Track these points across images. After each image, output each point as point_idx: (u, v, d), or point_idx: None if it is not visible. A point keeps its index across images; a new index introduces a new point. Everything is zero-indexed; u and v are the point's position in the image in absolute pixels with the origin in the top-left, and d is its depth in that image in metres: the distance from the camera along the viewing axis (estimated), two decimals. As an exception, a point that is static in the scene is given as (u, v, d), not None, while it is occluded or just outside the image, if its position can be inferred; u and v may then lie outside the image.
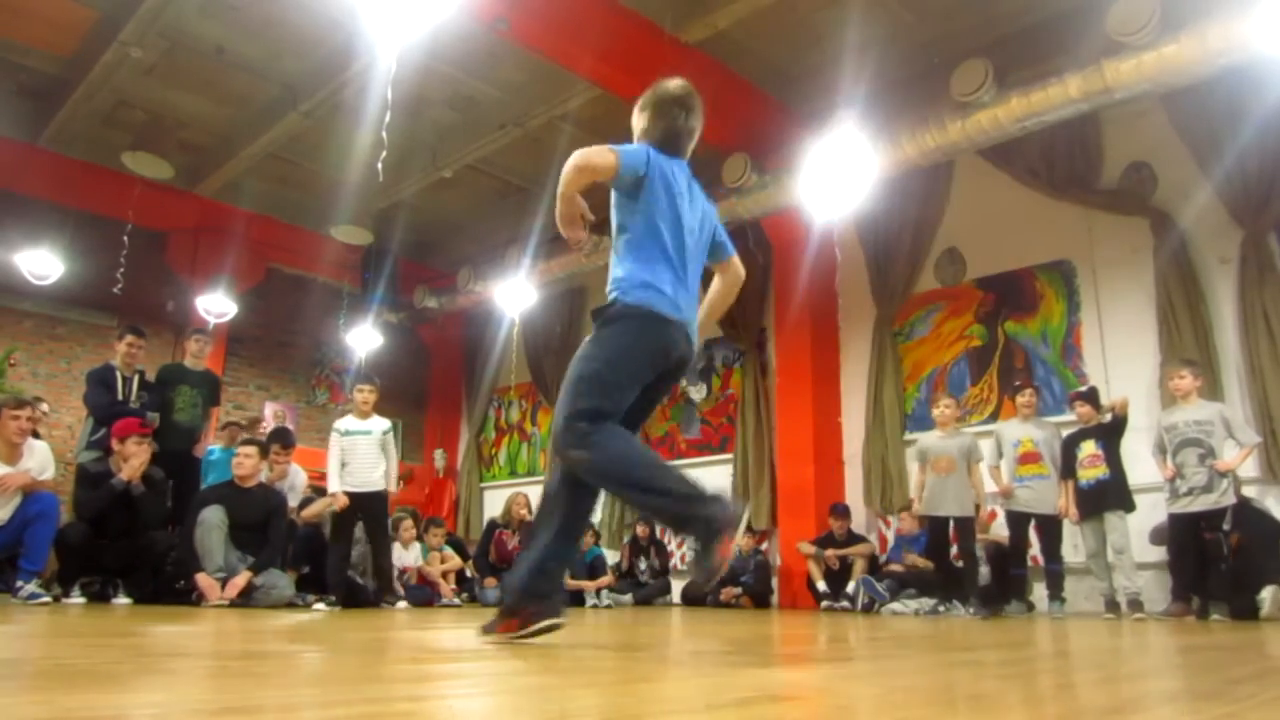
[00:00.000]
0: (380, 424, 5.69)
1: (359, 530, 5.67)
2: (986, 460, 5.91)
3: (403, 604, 5.56)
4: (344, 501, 5.44)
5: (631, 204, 2.58)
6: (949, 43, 6.67)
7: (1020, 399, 5.88)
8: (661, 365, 2.56)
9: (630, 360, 2.46)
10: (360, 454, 5.52)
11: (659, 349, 2.51)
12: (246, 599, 4.98)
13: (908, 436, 7.29)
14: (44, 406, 7.25)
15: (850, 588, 6.67)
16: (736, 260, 2.83)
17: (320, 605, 5.16)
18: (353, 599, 5.43)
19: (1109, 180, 6.55)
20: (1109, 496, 5.36)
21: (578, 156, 2.42)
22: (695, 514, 2.19)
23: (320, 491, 6.00)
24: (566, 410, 2.37)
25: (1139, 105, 6.07)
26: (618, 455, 2.33)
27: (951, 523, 5.81)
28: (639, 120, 2.69)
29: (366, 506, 5.51)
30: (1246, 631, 3.87)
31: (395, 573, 5.97)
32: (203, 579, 4.89)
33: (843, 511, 7.03)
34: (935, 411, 6.12)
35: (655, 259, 2.53)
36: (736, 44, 6.80)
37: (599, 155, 2.41)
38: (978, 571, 5.85)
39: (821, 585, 6.82)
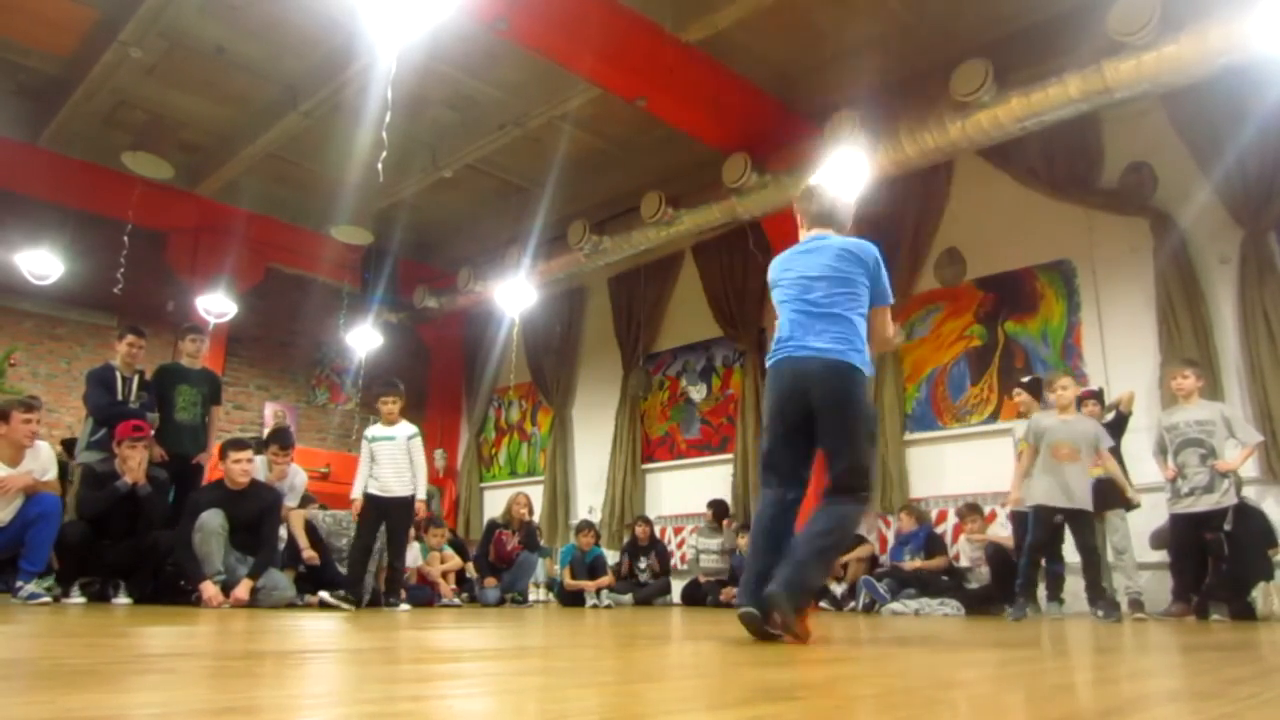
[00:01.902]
0: (405, 430, 5.69)
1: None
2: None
3: (405, 607, 5.56)
4: (358, 507, 5.47)
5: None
6: (949, 43, 6.66)
7: (1020, 397, 5.89)
8: None
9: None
10: (384, 460, 5.54)
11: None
12: (248, 600, 4.98)
13: (908, 436, 7.29)
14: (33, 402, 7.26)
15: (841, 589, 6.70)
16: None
17: (345, 605, 5.14)
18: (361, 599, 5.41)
19: (1109, 180, 6.55)
20: (1110, 496, 5.36)
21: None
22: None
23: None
24: (862, 459, 2.85)
25: (1139, 105, 6.07)
26: None
27: (1060, 516, 5.10)
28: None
29: (391, 512, 5.51)
30: (1246, 631, 3.87)
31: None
32: (207, 588, 4.89)
33: None
34: (1052, 395, 5.26)
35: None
36: (737, 44, 6.80)
37: None
38: (1099, 568, 5.12)
39: (839, 589, 6.79)
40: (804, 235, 3.14)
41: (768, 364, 3.02)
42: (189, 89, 7.88)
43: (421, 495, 5.69)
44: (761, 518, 3.00)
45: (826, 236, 3.06)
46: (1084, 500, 4.98)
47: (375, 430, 5.68)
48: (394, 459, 5.55)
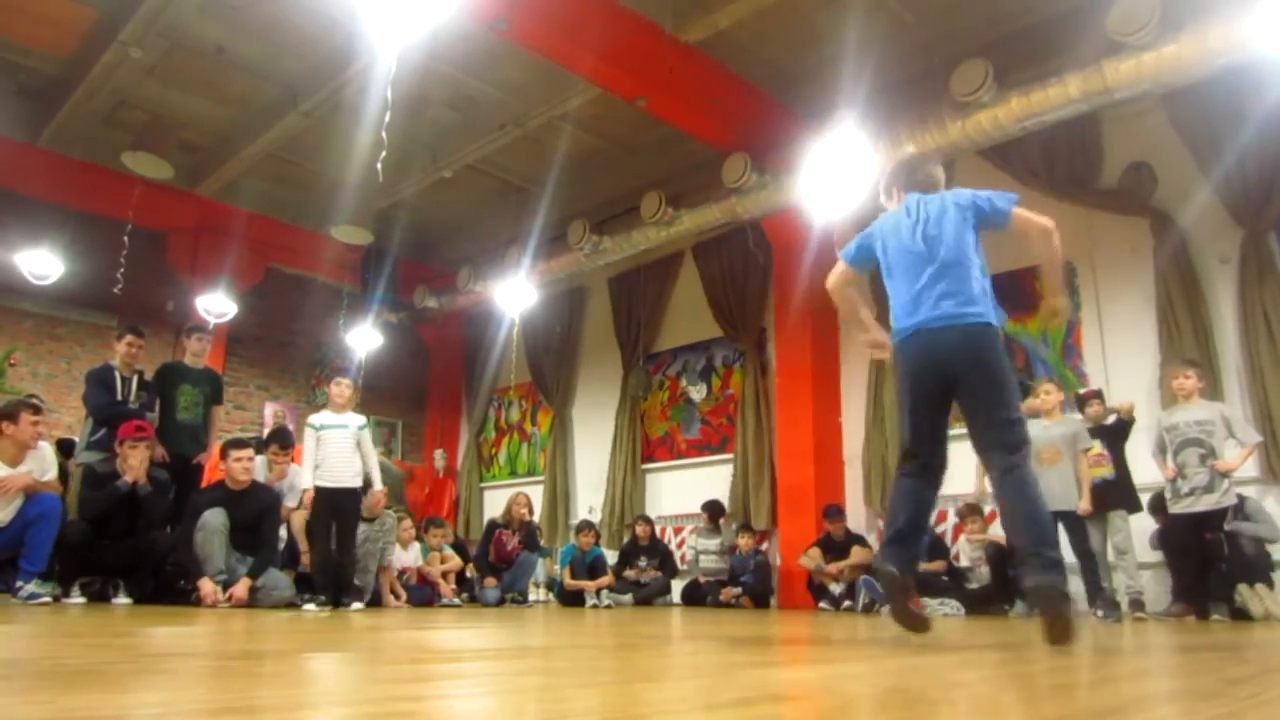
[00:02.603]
0: (355, 419, 5.58)
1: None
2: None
3: (358, 606, 5.41)
4: (309, 498, 5.33)
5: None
6: (949, 43, 6.67)
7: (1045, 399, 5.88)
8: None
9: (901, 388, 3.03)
10: (333, 450, 5.37)
11: None
12: (247, 599, 4.98)
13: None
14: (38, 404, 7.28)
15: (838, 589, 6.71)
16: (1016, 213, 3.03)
17: (311, 606, 5.11)
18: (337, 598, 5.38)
19: (1109, 180, 6.55)
20: (1112, 496, 5.37)
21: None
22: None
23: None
24: (1013, 412, 2.74)
25: (1139, 105, 6.07)
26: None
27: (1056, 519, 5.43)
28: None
29: (341, 504, 5.37)
30: (1246, 631, 3.87)
31: (366, 573, 5.78)
32: (205, 585, 4.89)
33: (836, 513, 7.01)
34: (1036, 401, 5.38)
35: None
36: (736, 44, 6.80)
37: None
38: (1096, 568, 5.24)
39: (837, 589, 6.79)
40: (893, 205, 3.14)
41: (896, 329, 2.98)
42: (189, 89, 7.88)
43: (378, 485, 5.61)
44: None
45: (926, 197, 3.08)
46: (1067, 500, 5.06)
47: (323, 418, 5.50)
48: (343, 449, 5.41)
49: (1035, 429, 5.13)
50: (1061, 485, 5.09)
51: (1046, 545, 2.62)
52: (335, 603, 5.25)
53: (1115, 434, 5.47)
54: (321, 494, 5.33)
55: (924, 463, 2.88)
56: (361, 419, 5.67)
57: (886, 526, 2.92)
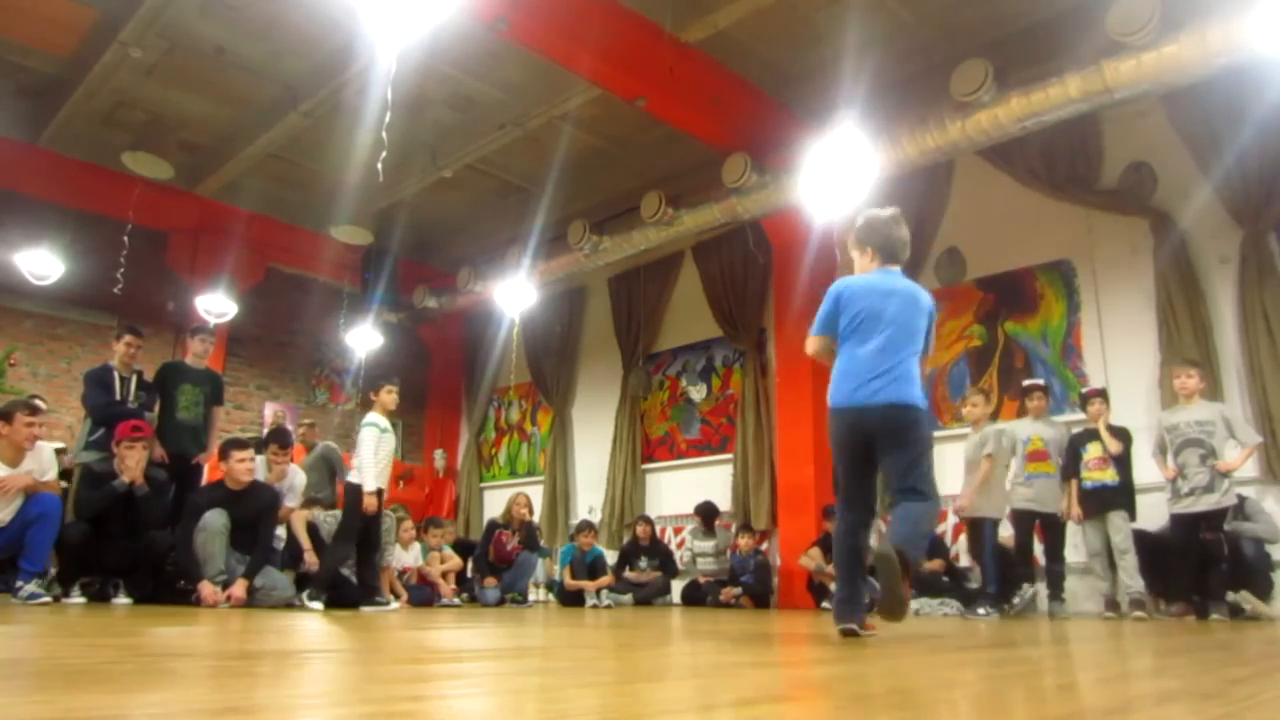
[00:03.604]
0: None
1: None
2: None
3: (395, 605, 5.50)
4: (375, 503, 5.33)
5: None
6: (949, 43, 6.66)
7: (1031, 402, 5.93)
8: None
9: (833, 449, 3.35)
10: (386, 453, 5.48)
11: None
12: (247, 600, 4.98)
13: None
14: (41, 405, 7.25)
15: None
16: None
17: (316, 604, 5.14)
18: (343, 597, 5.40)
19: (1109, 180, 6.55)
20: (1114, 497, 5.38)
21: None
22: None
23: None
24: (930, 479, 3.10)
25: (1139, 105, 6.07)
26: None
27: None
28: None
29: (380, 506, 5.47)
30: (1246, 631, 3.87)
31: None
32: (204, 586, 4.88)
33: (834, 513, 7.01)
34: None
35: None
36: (736, 44, 6.79)
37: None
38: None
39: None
40: (869, 266, 3.30)
41: (831, 407, 3.22)
42: (189, 89, 7.88)
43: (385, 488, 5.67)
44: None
45: (896, 274, 3.28)
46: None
47: (384, 421, 5.56)
48: (391, 453, 5.56)
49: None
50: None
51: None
52: (355, 605, 5.27)
53: (1121, 454, 5.52)
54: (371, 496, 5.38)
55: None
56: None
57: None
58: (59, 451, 6.83)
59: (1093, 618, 5.41)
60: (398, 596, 6.09)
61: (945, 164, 7.11)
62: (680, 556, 8.46)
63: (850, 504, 3.24)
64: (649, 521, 8.29)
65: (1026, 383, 6.18)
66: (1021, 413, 6.20)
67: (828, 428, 3.26)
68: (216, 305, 8.89)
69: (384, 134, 6.17)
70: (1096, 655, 2.58)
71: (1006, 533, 6.03)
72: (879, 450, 3.14)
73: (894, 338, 3.13)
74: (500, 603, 7.11)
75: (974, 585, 6.24)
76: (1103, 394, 5.74)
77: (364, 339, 10.25)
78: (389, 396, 5.60)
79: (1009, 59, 6.04)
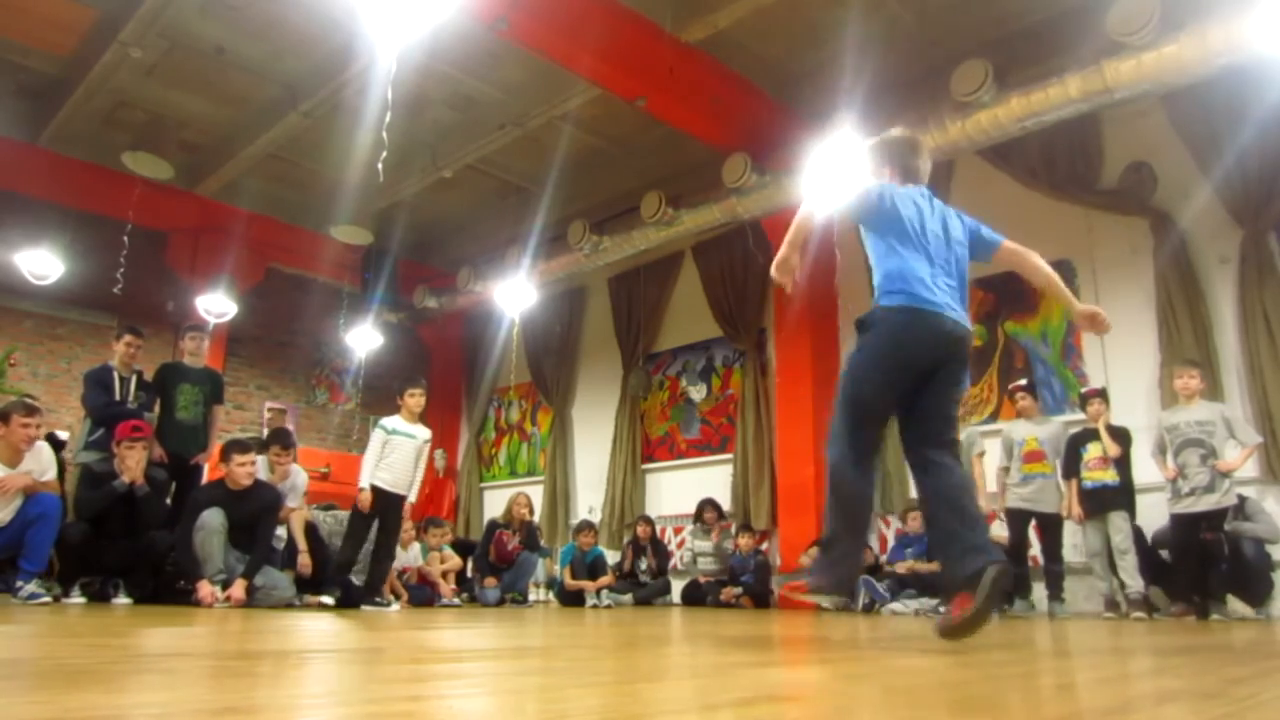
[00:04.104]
0: (424, 432, 5.64)
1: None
2: (998, 461, 5.92)
3: (395, 607, 5.52)
4: (369, 499, 5.34)
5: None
6: (949, 43, 6.66)
7: (1018, 403, 5.94)
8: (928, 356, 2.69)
9: (883, 362, 2.71)
10: (398, 456, 5.45)
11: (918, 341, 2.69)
12: (247, 600, 4.98)
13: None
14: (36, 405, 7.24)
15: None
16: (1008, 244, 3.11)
17: (327, 599, 5.17)
18: (346, 597, 5.41)
19: (1109, 180, 6.55)
20: (1114, 497, 5.38)
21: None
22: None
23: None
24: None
25: (1139, 105, 6.07)
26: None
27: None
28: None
29: (388, 506, 5.45)
30: (1246, 631, 3.87)
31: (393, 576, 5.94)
32: (203, 587, 4.89)
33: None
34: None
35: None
36: (737, 44, 6.79)
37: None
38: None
39: None
40: (899, 183, 3.03)
41: (903, 305, 2.70)
42: (189, 89, 7.88)
43: (412, 499, 5.66)
44: (940, 488, 2.64)
45: (929, 194, 3.00)
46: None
47: (395, 423, 5.55)
48: (407, 456, 5.49)
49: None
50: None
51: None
52: (355, 605, 5.28)
53: (1120, 455, 5.53)
54: (377, 494, 5.37)
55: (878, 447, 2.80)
56: (428, 433, 5.70)
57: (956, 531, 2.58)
58: (60, 444, 6.84)
59: (1092, 618, 5.41)
60: (398, 596, 6.09)
61: (945, 164, 7.10)
62: (680, 556, 8.46)
63: (871, 445, 2.69)
64: (649, 522, 8.29)
65: (1011, 385, 6.20)
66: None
67: (875, 338, 2.69)
68: (216, 305, 8.89)
69: (384, 134, 6.17)
70: (1095, 656, 2.58)
71: (1001, 532, 6.03)
72: (935, 381, 2.65)
73: (947, 262, 2.77)
74: (500, 603, 7.11)
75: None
76: (1102, 394, 5.74)
77: (364, 339, 10.25)
78: (411, 399, 5.59)
79: (1009, 59, 6.04)
